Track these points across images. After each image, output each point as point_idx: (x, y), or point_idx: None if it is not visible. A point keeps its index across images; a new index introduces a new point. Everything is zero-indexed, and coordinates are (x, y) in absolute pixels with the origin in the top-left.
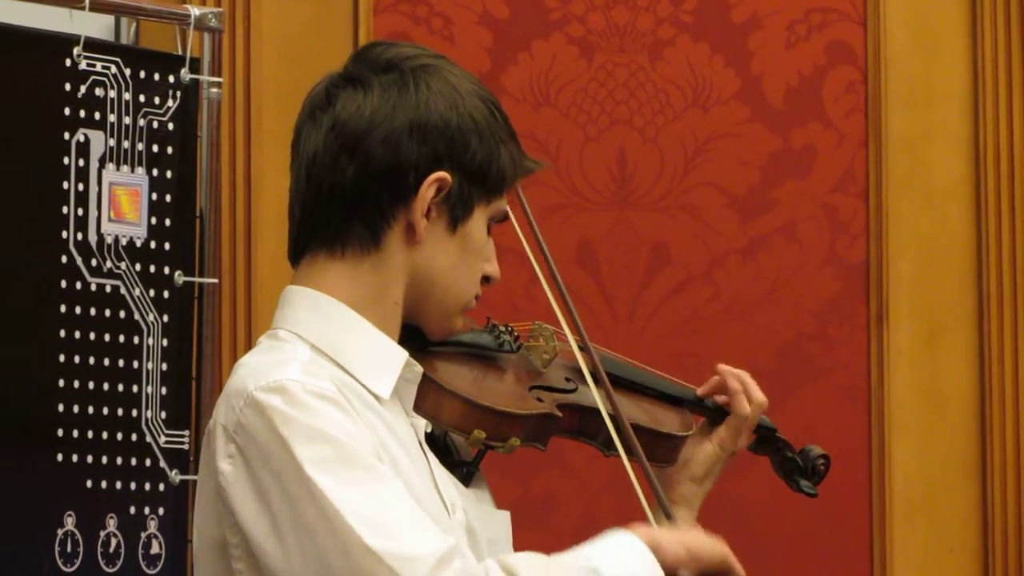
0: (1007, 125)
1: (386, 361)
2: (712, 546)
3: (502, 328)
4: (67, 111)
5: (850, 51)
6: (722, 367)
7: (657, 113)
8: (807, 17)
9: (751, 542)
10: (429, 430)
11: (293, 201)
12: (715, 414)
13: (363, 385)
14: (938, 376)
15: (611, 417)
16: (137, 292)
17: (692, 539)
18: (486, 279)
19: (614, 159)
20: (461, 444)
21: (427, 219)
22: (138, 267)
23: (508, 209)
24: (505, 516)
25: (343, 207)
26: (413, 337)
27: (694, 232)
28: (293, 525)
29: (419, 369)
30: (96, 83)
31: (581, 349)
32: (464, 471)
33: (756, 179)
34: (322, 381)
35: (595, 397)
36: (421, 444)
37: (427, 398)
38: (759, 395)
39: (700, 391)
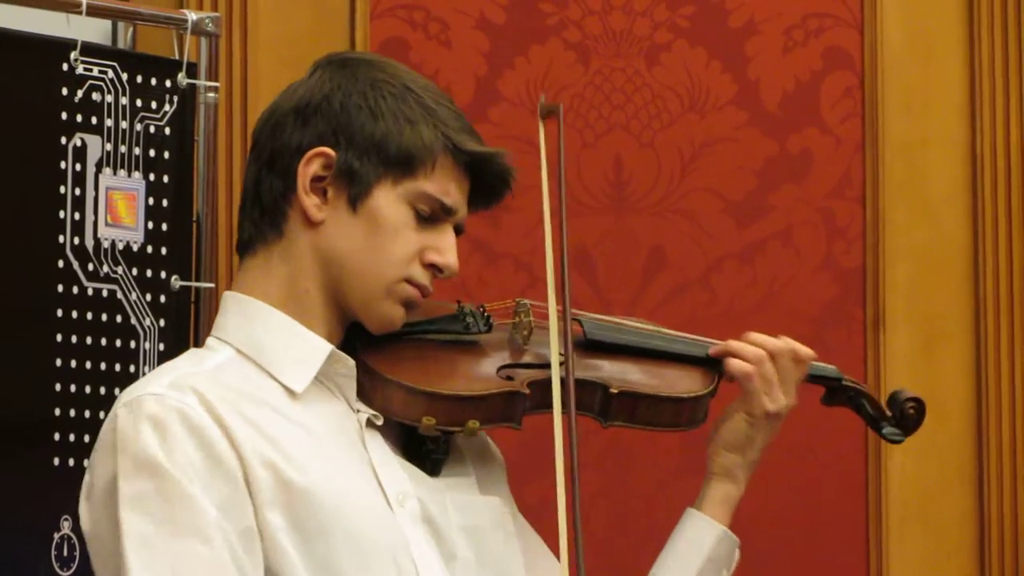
0: (1004, 131)
1: (304, 354)
2: None
3: (471, 310)
4: (64, 115)
5: (847, 56)
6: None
7: (653, 118)
8: (804, 22)
9: (745, 548)
10: (379, 422)
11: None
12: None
13: (279, 382)
14: (935, 382)
15: (561, 382)
16: (134, 296)
17: None
18: (436, 269)
19: (610, 164)
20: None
21: (324, 199)
22: (135, 271)
23: (446, 201)
24: (490, 503)
25: (250, 206)
26: (364, 332)
27: (691, 237)
28: (92, 540)
29: (350, 363)
30: (93, 87)
31: (575, 320)
32: (431, 460)
33: (752, 184)
34: (183, 394)
35: (572, 367)
36: (363, 437)
37: (375, 391)
38: (766, 346)
39: (711, 351)
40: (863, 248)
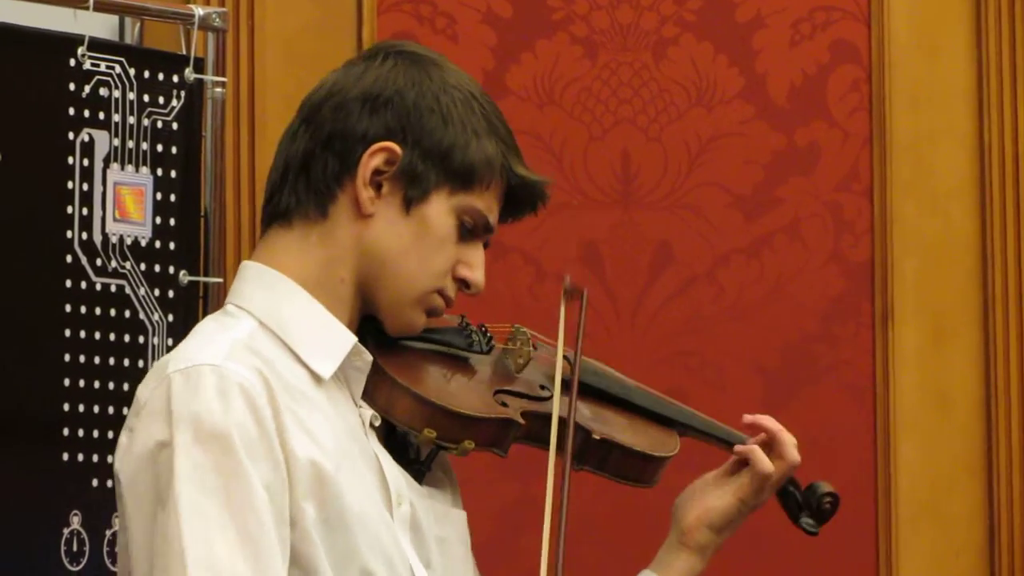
0: (1012, 124)
1: (331, 342)
2: None
3: (475, 328)
4: (71, 111)
5: (854, 50)
6: (752, 418)
7: (661, 112)
8: (811, 16)
9: (755, 542)
10: (378, 423)
11: (267, 182)
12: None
13: (305, 364)
14: (944, 376)
15: (560, 420)
16: (142, 291)
17: None
18: (464, 284)
19: (618, 158)
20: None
21: (378, 193)
22: (143, 266)
23: (489, 220)
24: (460, 516)
25: (295, 177)
26: (376, 329)
27: (698, 231)
28: (145, 522)
29: (368, 358)
30: (100, 83)
31: (566, 359)
32: (416, 468)
33: (760, 178)
34: (244, 369)
35: (564, 404)
36: (367, 433)
37: (380, 391)
38: (792, 454)
39: (737, 448)
40: (871, 242)
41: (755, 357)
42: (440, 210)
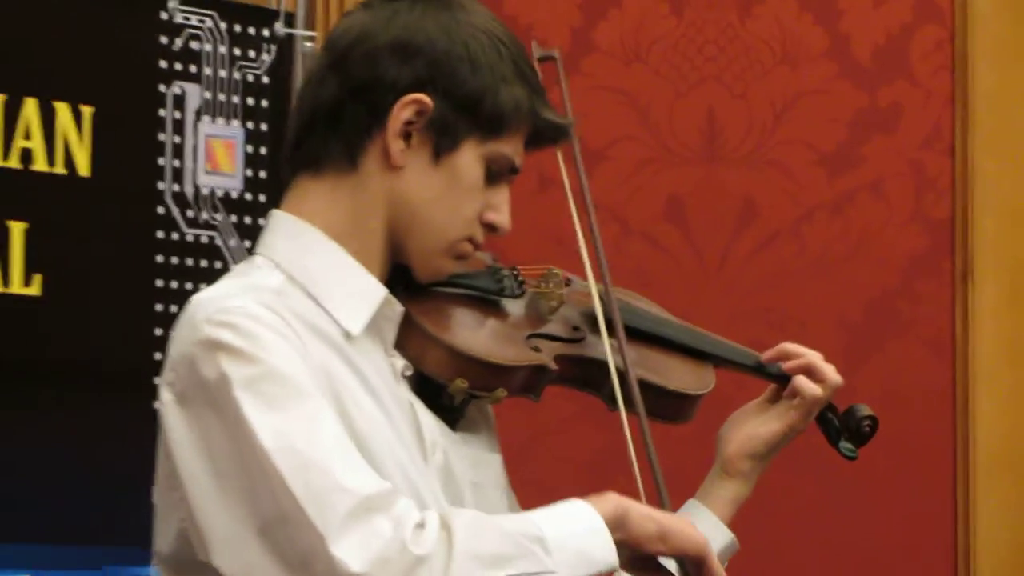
0: None
1: (361, 296)
2: (690, 534)
3: (507, 271)
4: (163, 64)
5: (938, 10)
6: (788, 345)
7: (746, 69)
8: None
9: (833, 492)
10: (410, 372)
11: (289, 128)
12: (780, 379)
13: (334, 319)
14: (1021, 332)
15: (618, 373)
16: (233, 243)
17: (667, 520)
18: (491, 227)
19: (703, 115)
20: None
21: (408, 144)
22: (234, 219)
23: (515, 162)
24: (496, 460)
25: (323, 125)
26: (404, 276)
27: (782, 188)
28: (223, 459)
29: (399, 308)
30: (192, 36)
31: (600, 297)
32: (450, 415)
33: (843, 136)
34: (271, 314)
35: (604, 348)
36: (398, 382)
37: (411, 341)
38: (833, 375)
39: (764, 356)
40: (952, 200)
41: (837, 312)
42: (470, 159)
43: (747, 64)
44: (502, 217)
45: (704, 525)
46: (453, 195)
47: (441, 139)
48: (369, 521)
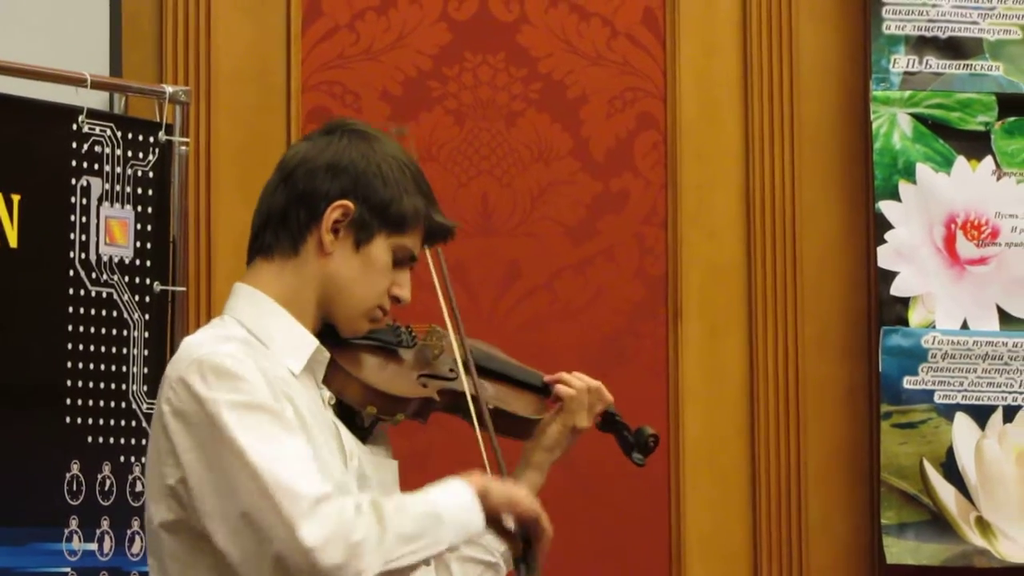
0: (771, 176)
1: (300, 345)
2: (529, 501)
3: (403, 328)
4: (73, 163)
5: (654, 120)
6: (554, 378)
7: (512, 166)
8: (623, 94)
9: (575, 482)
10: (333, 402)
11: (252, 223)
12: (554, 398)
13: (282, 362)
14: (719, 361)
15: (472, 399)
16: (126, 297)
17: (515, 492)
18: (396, 299)
19: (479, 199)
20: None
21: (336, 237)
22: (126, 279)
23: (414, 252)
24: (394, 465)
25: (275, 222)
26: (333, 332)
27: (539, 253)
28: (215, 460)
29: (327, 354)
30: (96, 142)
31: (460, 346)
32: (361, 433)
33: (584, 214)
34: (245, 355)
35: (468, 385)
36: (326, 408)
37: (335, 379)
38: (578, 381)
39: (545, 379)
40: (665, 261)
41: (580, 347)
42: (381, 249)
43: (512, 161)
44: (405, 292)
45: None
46: (368, 275)
47: (360, 234)
48: (322, 510)
